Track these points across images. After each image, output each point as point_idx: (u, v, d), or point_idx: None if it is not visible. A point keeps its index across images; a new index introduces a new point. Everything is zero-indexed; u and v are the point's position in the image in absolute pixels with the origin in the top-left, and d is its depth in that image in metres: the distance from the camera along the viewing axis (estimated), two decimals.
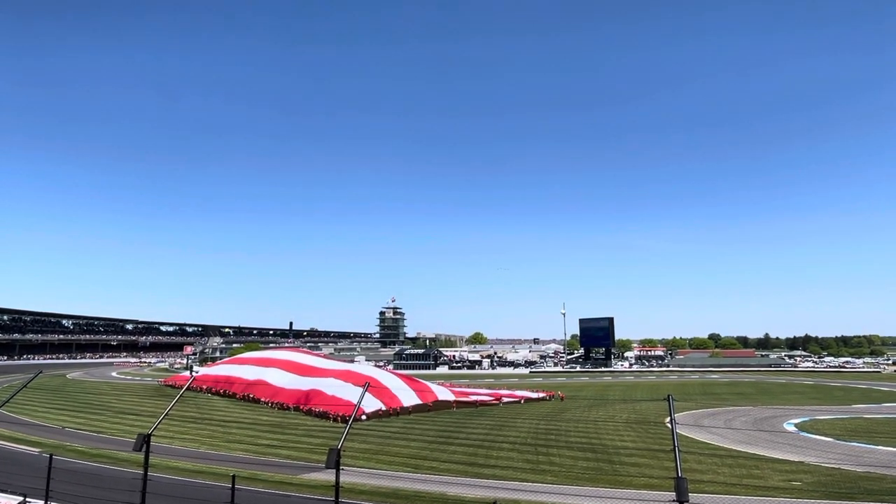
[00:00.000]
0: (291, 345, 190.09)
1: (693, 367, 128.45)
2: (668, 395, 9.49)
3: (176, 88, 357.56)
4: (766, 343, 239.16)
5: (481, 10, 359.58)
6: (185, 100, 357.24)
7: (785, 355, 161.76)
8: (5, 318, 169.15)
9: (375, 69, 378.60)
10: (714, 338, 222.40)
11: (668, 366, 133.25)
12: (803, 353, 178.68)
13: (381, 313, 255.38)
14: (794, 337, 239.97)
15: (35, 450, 27.73)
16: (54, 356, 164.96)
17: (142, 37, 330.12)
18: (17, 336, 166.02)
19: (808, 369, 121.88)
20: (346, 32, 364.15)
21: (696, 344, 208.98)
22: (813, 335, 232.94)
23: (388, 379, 53.39)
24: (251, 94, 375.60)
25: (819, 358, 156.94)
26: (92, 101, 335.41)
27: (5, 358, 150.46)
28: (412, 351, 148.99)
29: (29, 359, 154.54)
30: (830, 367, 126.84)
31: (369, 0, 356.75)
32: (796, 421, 40.53)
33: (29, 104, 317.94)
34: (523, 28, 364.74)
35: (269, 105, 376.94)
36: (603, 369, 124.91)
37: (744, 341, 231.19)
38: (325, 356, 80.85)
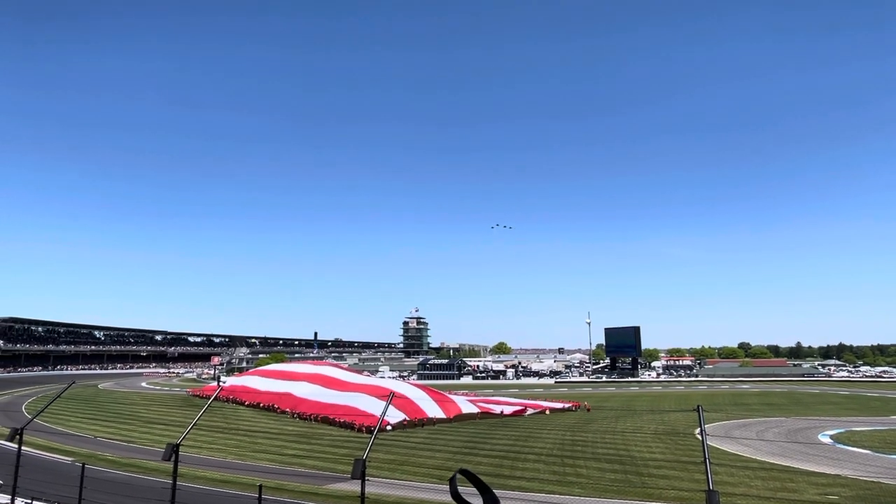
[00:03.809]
0: (316, 355, 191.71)
1: (723, 377, 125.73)
2: (698, 406, 9.31)
3: (194, 97, 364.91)
4: (798, 352, 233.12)
5: (495, 17, 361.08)
6: (204, 108, 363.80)
7: (818, 364, 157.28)
8: (40, 329, 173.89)
9: (393, 76, 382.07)
10: (744, 347, 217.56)
11: (696, 376, 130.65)
12: (837, 362, 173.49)
13: (405, 323, 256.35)
14: (828, 345, 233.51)
15: (68, 459, 28.34)
16: (86, 367, 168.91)
17: (145, 41, 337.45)
18: (51, 347, 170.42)
19: (843, 379, 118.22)
20: (360, 39, 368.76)
21: (725, 353, 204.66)
22: (847, 343, 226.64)
23: (412, 391, 53.39)
24: (269, 103, 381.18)
25: (854, 367, 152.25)
26: (110, 108, 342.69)
27: (40, 368, 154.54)
28: (436, 361, 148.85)
29: (62, 369, 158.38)
30: (867, 376, 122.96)
31: (382, 4, 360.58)
32: (832, 432, 39.30)
33: (49, 112, 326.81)
34: (540, 34, 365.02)
35: (289, 114, 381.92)
36: (629, 379, 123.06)
37: (775, 350, 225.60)
38: (348, 369, 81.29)
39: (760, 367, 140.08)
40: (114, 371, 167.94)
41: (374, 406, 45.34)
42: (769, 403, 64.28)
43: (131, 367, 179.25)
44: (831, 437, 37.49)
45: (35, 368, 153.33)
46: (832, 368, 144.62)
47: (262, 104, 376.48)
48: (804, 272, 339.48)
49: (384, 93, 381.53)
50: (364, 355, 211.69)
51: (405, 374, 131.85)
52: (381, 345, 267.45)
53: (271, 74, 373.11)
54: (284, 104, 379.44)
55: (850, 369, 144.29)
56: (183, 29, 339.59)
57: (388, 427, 40.63)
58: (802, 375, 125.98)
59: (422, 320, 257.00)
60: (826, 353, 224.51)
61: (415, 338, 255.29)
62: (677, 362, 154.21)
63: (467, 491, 3.14)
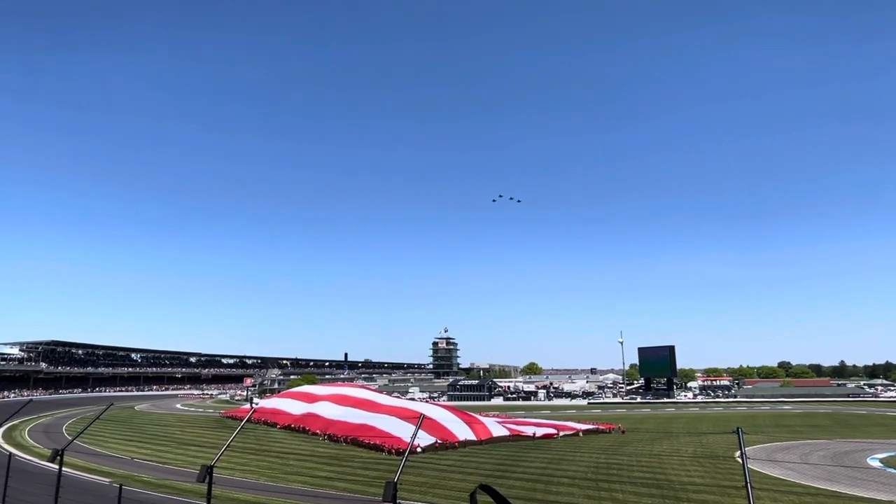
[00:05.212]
0: (346, 376, 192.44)
1: (762, 397, 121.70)
2: (738, 428, 9.01)
3: (225, 123, 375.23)
4: (842, 371, 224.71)
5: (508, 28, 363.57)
6: (228, 131, 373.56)
7: (864, 384, 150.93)
8: (80, 352, 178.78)
9: (418, 97, 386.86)
10: (784, 366, 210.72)
11: (735, 396, 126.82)
12: (885, 381, 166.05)
13: (434, 344, 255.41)
14: (874, 364, 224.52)
15: (106, 480, 28.83)
16: (124, 388, 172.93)
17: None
18: (90, 369, 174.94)
19: (892, 399, 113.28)
20: (379, 61, 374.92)
21: (764, 373, 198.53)
22: (895, 362, 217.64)
23: (442, 413, 53.01)
24: (297, 125, 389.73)
25: None
26: (137, 128, 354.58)
27: (80, 390, 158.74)
28: (466, 382, 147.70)
29: (101, 391, 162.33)
30: None
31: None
32: (881, 456, 37.54)
33: (76, 126, 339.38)
34: (559, 47, 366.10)
35: (317, 138, 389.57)
36: (665, 400, 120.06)
37: (817, 370, 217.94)
38: (377, 390, 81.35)
39: (802, 387, 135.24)
40: (150, 392, 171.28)
41: (403, 428, 45.13)
42: (813, 425, 61.88)
43: (167, 389, 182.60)
44: (881, 460, 35.81)
45: (75, 390, 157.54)
46: (879, 388, 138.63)
47: (290, 126, 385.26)
48: (847, 288, 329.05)
49: (414, 115, 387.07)
50: (394, 376, 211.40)
51: (435, 395, 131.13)
52: (410, 366, 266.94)
53: (305, 96, 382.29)
54: (310, 126, 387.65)
55: None
56: (189, 37, 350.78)
57: (419, 449, 40.34)
58: (847, 396, 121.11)
59: (451, 341, 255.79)
60: (872, 372, 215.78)
61: (444, 358, 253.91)
62: (714, 382, 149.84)
63: None
